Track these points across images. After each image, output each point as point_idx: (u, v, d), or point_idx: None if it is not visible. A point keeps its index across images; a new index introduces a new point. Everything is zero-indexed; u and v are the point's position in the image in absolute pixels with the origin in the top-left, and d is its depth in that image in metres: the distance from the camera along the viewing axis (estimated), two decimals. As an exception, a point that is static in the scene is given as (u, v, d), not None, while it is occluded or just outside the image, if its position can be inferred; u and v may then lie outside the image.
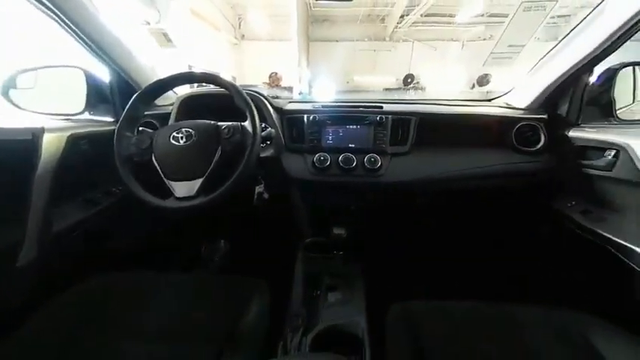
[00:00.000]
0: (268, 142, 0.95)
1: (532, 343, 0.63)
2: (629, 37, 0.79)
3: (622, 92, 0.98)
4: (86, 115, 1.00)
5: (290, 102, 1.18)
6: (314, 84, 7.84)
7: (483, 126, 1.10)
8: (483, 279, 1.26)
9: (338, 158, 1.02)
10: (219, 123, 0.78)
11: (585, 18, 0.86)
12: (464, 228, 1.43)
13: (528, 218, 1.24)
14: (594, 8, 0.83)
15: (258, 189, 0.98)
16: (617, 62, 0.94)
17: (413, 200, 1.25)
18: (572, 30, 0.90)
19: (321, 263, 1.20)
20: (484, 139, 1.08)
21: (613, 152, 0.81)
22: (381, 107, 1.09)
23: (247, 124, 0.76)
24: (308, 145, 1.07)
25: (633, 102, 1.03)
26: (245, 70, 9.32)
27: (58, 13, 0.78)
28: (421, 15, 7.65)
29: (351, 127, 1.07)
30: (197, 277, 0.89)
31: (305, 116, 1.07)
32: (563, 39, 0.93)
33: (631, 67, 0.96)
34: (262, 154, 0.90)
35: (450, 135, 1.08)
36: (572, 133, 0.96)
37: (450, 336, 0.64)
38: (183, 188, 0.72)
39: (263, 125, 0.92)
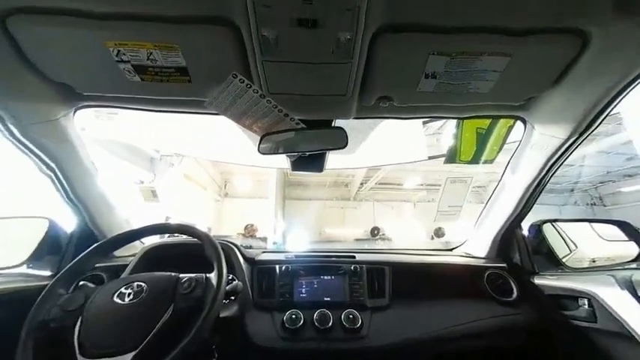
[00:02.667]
0: (232, 298, 0.84)
1: None
2: (532, 203, 1.03)
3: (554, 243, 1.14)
4: (22, 269, 0.87)
5: (263, 252, 1.17)
6: (288, 235, 8.18)
7: (456, 274, 1.13)
8: None
9: (312, 316, 0.89)
10: (181, 275, 0.71)
11: (494, 191, 1.13)
12: None
13: None
14: (497, 185, 1.12)
15: (209, 366, 0.75)
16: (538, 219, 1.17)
17: None
18: (490, 197, 1.16)
19: None
20: (460, 289, 1.08)
21: (586, 301, 0.84)
22: (354, 257, 1.11)
23: (213, 275, 0.70)
24: (278, 299, 0.96)
25: (570, 252, 1.19)
26: (223, 223, 9.73)
27: (57, 171, 0.85)
28: (376, 183, 9.64)
29: (325, 277, 1.02)
30: None
31: (277, 266, 1.03)
32: (486, 203, 1.18)
33: (549, 223, 1.18)
34: (223, 314, 0.77)
35: (426, 285, 1.07)
36: (537, 281, 1.03)
37: None
38: None
39: (230, 277, 0.85)
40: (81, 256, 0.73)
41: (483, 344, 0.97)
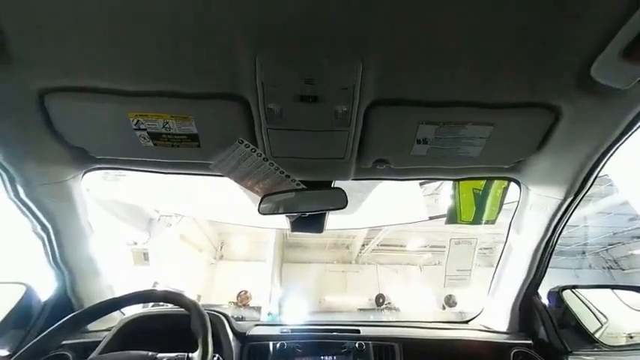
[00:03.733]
0: (217, 385, 0.71)
1: None
2: (545, 267, 0.98)
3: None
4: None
5: (256, 325, 1.05)
6: (285, 303, 7.43)
7: (477, 353, 0.99)
8: None
9: None
10: (159, 355, 0.61)
11: (501, 254, 1.08)
12: None
13: None
14: (504, 246, 1.07)
15: None
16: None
17: None
18: (498, 261, 1.09)
19: None
20: None
21: None
22: (359, 331, 0.99)
23: (196, 355, 0.60)
24: (271, 388, 0.80)
25: (601, 325, 1.06)
26: (215, 288, 8.99)
27: (50, 233, 0.82)
28: (378, 245, 9.28)
29: (326, 358, 0.88)
30: None
31: (271, 343, 0.90)
32: (496, 268, 1.11)
33: (569, 290, 1.09)
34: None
35: None
36: None
37: None
38: None
39: (216, 357, 0.73)
40: (47, 331, 0.64)
41: None
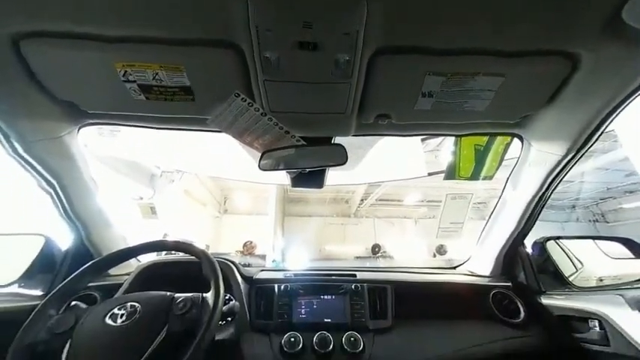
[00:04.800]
0: (229, 319, 0.81)
1: None
2: (534, 220, 1.02)
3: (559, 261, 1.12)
4: (13, 288, 0.85)
5: (262, 270, 1.15)
6: (287, 252, 8.02)
7: (460, 294, 1.09)
8: None
9: (312, 339, 0.85)
10: (177, 295, 0.69)
11: (495, 207, 1.12)
12: None
13: None
14: (498, 200, 1.11)
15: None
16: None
17: None
18: (491, 214, 1.14)
19: None
20: (466, 309, 1.04)
21: (597, 322, 0.81)
22: (355, 275, 1.09)
23: (209, 295, 0.68)
24: (277, 321, 0.92)
25: (577, 270, 1.16)
26: (222, 239, 9.60)
27: (57, 188, 0.84)
28: (376, 200, 9.59)
29: (325, 297, 0.99)
30: None
31: (276, 285, 1.00)
32: (488, 220, 1.16)
33: (553, 241, 1.16)
34: (219, 336, 0.74)
35: (430, 305, 1.03)
36: (545, 301, 0.99)
37: None
38: None
39: (227, 297, 0.83)
40: (74, 274, 0.72)
41: None
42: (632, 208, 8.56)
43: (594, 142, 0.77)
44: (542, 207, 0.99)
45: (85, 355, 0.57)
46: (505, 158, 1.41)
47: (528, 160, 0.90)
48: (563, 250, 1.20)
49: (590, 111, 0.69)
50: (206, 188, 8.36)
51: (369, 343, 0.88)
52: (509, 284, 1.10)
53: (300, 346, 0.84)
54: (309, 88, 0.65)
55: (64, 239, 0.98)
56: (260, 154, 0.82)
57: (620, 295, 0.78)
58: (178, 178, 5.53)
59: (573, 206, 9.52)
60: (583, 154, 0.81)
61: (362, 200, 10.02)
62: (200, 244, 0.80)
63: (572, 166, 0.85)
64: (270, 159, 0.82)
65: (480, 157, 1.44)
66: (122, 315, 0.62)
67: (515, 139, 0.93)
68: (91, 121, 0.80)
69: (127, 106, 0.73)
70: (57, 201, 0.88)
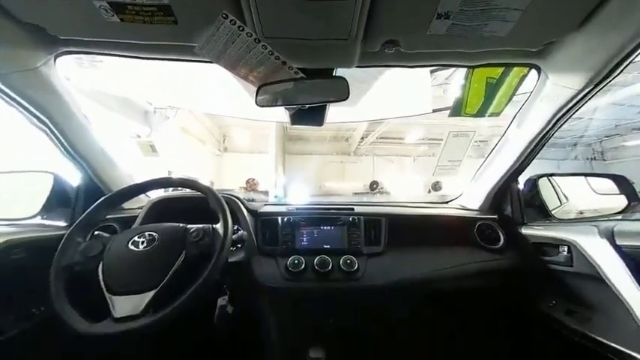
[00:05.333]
0: (239, 246, 0.90)
1: None
2: (533, 157, 1.03)
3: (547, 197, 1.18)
4: (37, 220, 0.92)
5: (265, 204, 1.22)
6: (289, 189, 8.39)
7: (448, 225, 1.19)
8: None
9: (313, 261, 0.97)
10: (189, 226, 0.75)
11: (496, 144, 1.12)
12: (449, 340, 1.29)
13: (514, 323, 1.17)
14: (500, 137, 1.10)
15: (221, 301, 0.85)
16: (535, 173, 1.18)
17: (392, 310, 1.16)
18: (491, 151, 1.15)
19: None
20: (451, 238, 1.15)
21: (566, 248, 0.90)
22: (353, 209, 1.16)
23: (219, 226, 0.74)
24: (282, 247, 1.03)
25: (561, 204, 1.24)
26: (224, 177, 9.89)
27: (49, 124, 0.83)
28: (377, 138, 9.47)
29: (325, 227, 1.08)
30: None
31: (279, 218, 1.08)
32: (487, 157, 1.18)
33: (545, 178, 1.20)
34: (231, 259, 0.84)
35: (419, 235, 1.13)
36: (524, 231, 1.09)
37: None
38: (127, 304, 0.60)
39: (235, 227, 0.90)
40: (92, 207, 0.77)
41: (466, 285, 1.08)
42: (633, 146, 8.53)
43: (617, 75, 0.71)
44: (544, 145, 0.99)
45: (118, 273, 0.66)
46: (516, 94, 1.33)
47: (541, 94, 0.85)
48: (553, 187, 1.25)
49: (623, 36, 0.61)
50: (204, 126, 8.15)
51: (362, 264, 1.00)
52: (495, 217, 1.18)
53: (303, 266, 0.96)
54: (308, 9, 0.57)
55: (72, 177, 1.02)
56: (256, 89, 0.77)
57: (595, 225, 0.85)
58: (173, 115, 5.33)
59: (575, 144, 9.46)
60: (601, 89, 0.76)
61: (362, 138, 9.90)
62: (205, 182, 0.84)
63: (585, 102, 0.81)
64: (267, 94, 0.77)
65: (491, 91, 1.36)
66: (143, 242, 0.70)
67: (532, 72, 0.86)
68: (65, 49, 0.73)
69: (100, 31, 0.65)
70: (54, 138, 0.87)
